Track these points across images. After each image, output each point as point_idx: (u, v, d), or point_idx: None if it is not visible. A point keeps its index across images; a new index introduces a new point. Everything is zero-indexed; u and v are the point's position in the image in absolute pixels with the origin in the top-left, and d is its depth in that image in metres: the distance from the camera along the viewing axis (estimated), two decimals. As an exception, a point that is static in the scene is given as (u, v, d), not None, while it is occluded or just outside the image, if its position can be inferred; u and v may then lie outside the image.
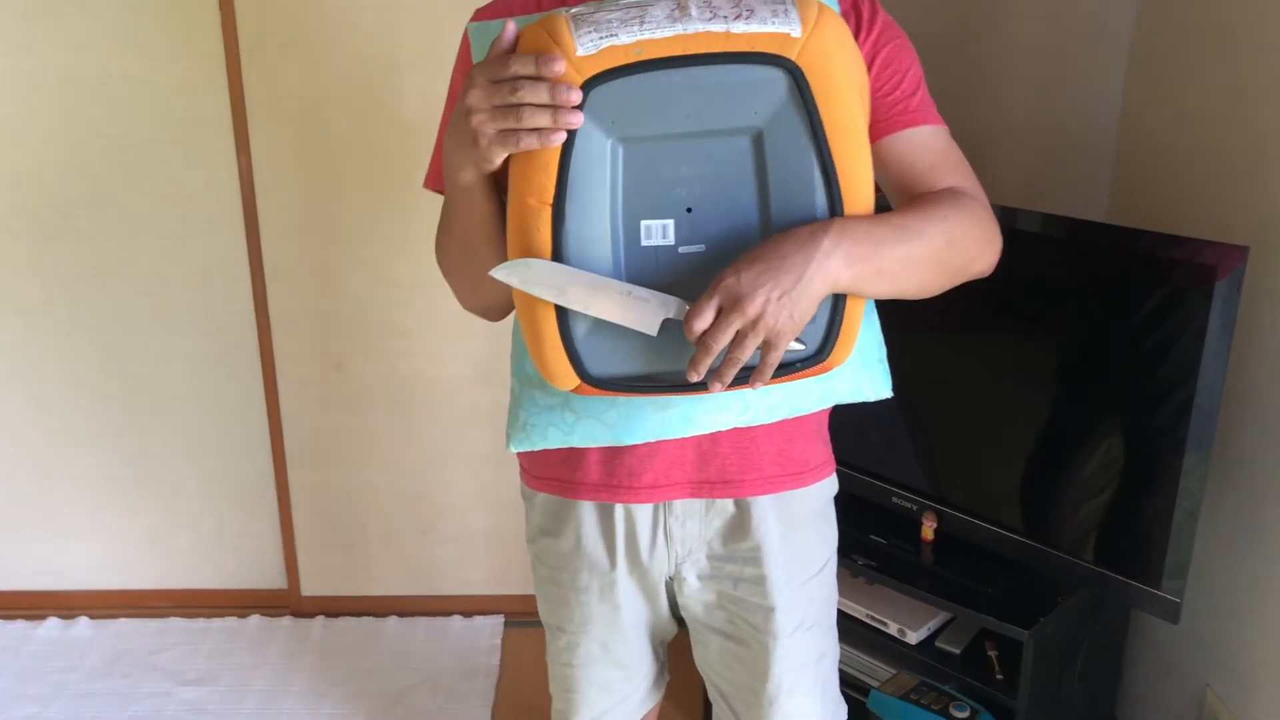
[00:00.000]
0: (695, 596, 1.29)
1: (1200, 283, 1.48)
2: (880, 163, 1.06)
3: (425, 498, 2.61)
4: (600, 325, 0.95)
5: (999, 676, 1.81)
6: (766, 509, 1.23)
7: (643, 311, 0.92)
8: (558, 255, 0.92)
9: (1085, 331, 1.70)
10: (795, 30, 0.90)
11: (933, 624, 1.89)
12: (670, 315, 0.92)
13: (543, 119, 0.87)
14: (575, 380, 0.97)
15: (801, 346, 0.96)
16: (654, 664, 1.40)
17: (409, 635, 2.59)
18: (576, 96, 0.87)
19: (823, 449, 1.28)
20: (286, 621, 2.64)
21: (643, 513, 1.23)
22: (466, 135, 0.90)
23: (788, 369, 0.96)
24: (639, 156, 0.92)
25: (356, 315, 2.44)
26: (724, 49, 0.89)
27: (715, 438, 1.18)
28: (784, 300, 0.88)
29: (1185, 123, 1.86)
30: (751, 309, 0.87)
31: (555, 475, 1.24)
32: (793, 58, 0.90)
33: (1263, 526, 1.70)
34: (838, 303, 0.96)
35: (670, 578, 1.28)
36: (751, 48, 0.89)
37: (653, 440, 1.11)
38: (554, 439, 1.12)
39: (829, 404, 1.14)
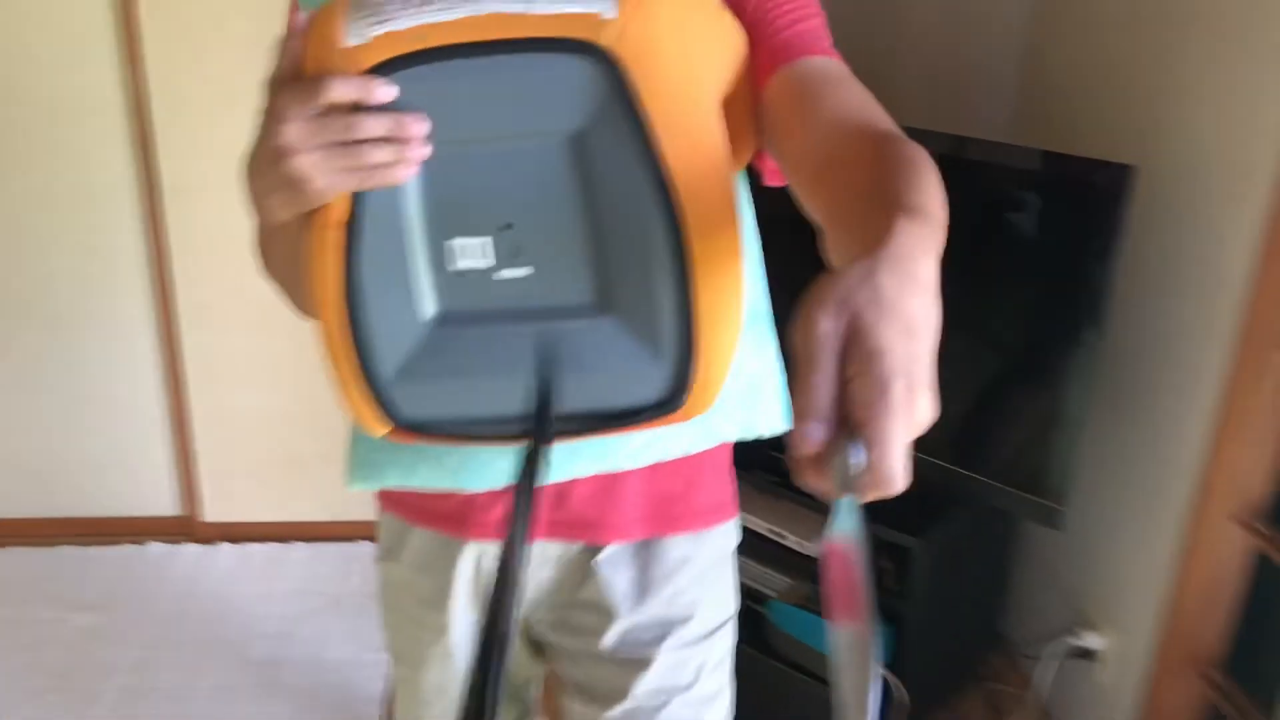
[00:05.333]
0: (551, 646, 1.16)
1: (1089, 202, 1.54)
2: (768, 102, 0.86)
3: (332, 422, 2.57)
4: (418, 362, 0.81)
5: (891, 586, 1.89)
6: (626, 557, 1.07)
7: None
8: (353, 282, 0.79)
9: (973, 249, 1.75)
10: (608, 9, 0.72)
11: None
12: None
13: (387, 154, 0.73)
14: (386, 426, 0.84)
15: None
16: (513, 709, 1.28)
17: (316, 561, 2.58)
18: (424, 128, 0.73)
19: (717, 490, 1.10)
20: (189, 549, 2.60)
21: (490, 550, 1.08)
22: (287, 181, 0.73)
23: (630, 418, 0.82)
24: (441, 165, 0.76)
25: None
26: (522, 34, 0.73)
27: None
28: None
29: (1086, 44, 1.92)
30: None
31: (399, 495, 1.11)
32: (605, 44, 0.72)
33: (1143, 441, 1.80)
34: (685, 332, 0.78)
35: (526, 619, 1.15)
36: (556, 32, 0.73)
37: (498, 489, 1.00)
38: (392, 478, 1.01)
39: (710, 445, 1.01)
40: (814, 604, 1.92)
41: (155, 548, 2.59)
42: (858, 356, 0.55)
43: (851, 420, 0.56)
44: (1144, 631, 1.78)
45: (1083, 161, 1.56)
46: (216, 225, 2.38)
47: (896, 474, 0.55)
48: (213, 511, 2.64)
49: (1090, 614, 1.96)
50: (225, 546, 2.61)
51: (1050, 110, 2.04)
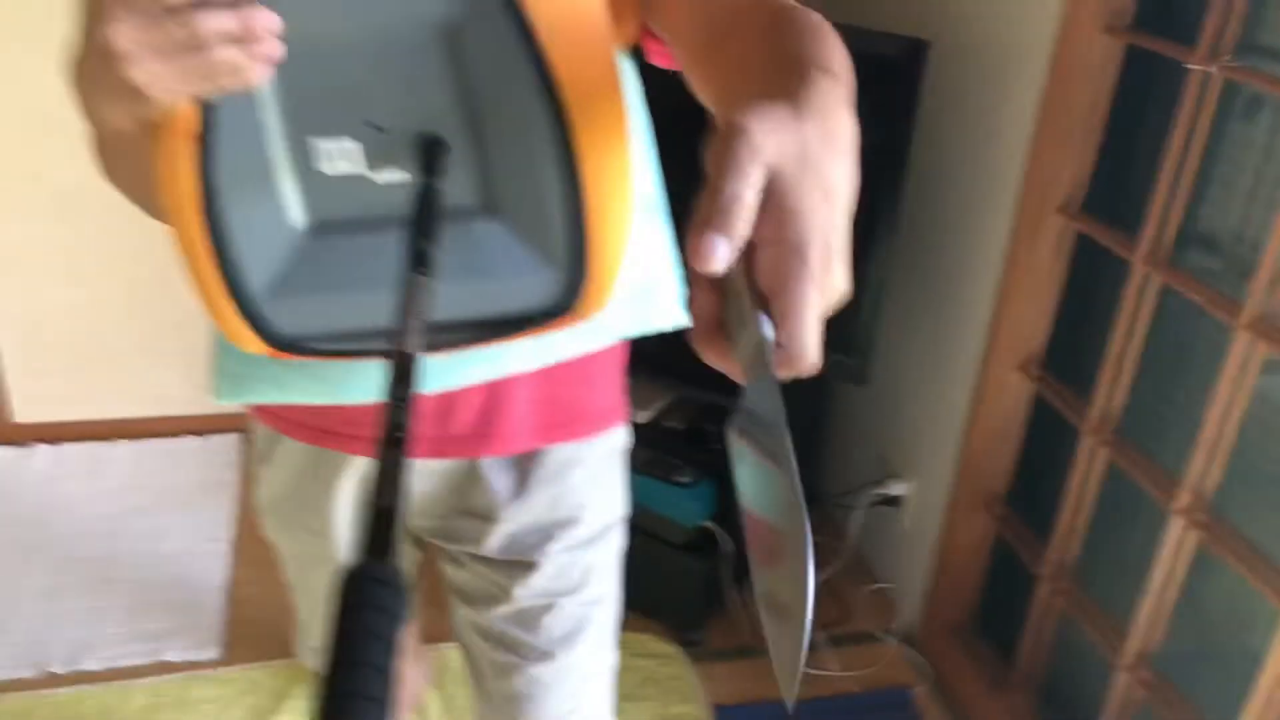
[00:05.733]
0: (435, 549, 1.16)
1: (886, 76, 1.63)
2: None
3: (146, 314, 2.49)
4: (291, 275, 0.76)
5: (716, 447, 2.00)
6: (509, 461, 1.05)
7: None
8: (211, 193, 0.73)
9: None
10: None
11: (660, 404, 2.05)
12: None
13: (236, 55, 0.64)
14: (260, 344, 0.79)
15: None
16: None
17: (140, 458, 2.52)
18: (275, 24, 0.64)
19: (609, 394, 1.06)
20: (1, 452, 2.49)
21: (367, 464, 1.02)
22: (122, 89, 0.65)
23: (522, 324, 0.79)
24: (299, 63, 0.68)
25: (52, 118, 2.25)
26: None
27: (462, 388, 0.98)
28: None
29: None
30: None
31: (272, 407, 1.05)
32: None
33: (939, 301, 1.95)
34: (574, 230, 0.74)
35: (408, 523, 1.14)
36: None
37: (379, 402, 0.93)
38: (265, 394, 0.95)
39: (604, 343, 0.97)
40: (646, 468, 2.01)
41: (-37, 452, 2.48)
42: (773, 218, 0.49)
43: (760, 290, 0.49)
44: (941, 476, 1.96)
45: (881, 36, 1.64)
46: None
47: (810, 348, 0.49)
48: (25, 412, 2.52)
49: (895, 464, 2.13)
50: (41, 447, 2.51)
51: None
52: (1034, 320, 1.73)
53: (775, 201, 0.49)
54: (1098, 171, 1.62)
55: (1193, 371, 1.51)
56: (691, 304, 0.52)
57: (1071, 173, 1.61)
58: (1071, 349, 1.73)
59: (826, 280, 0.49)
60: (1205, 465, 1.43)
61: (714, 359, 0.52)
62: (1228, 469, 1.42)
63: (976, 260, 1.80)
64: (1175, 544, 1.49)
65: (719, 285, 0.51)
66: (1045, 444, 1.82)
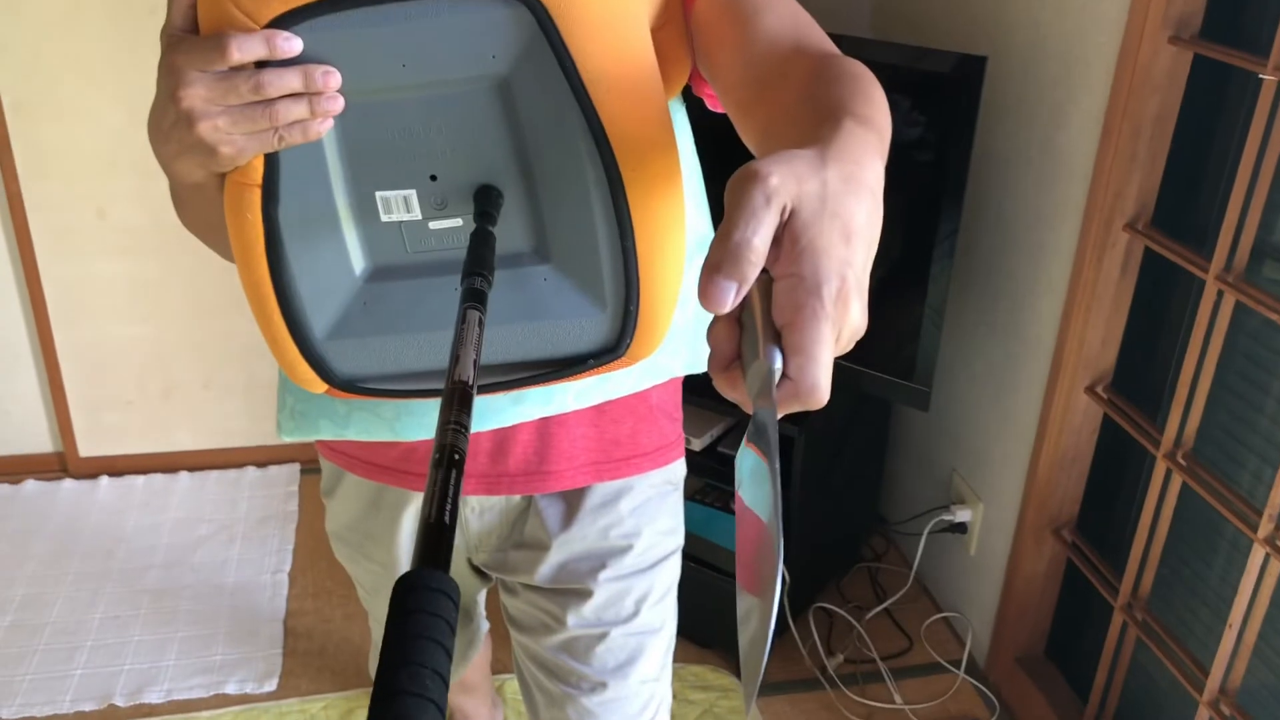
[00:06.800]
0: (494, 579, 1.17)
1: (942, 93, 1.60)
2: (698, 23, 0.80)
3: (205, 347, 2.53)
4: (350, 319, 0.80)
5: (775, 474, 1.97)
6: (561, 494, 1.06)
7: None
8: (275, 240, 0.76)
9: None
10: None
11: (715, 431, 2.02)
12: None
13: (300, 110, 0.69)
14: (322, 384, 0.83)
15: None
16: (465, 622, 1.34)
17: (201, 489, 2.54)
18: (336, 80, 0.69)
19: (665, 429, 1.07)
20: (67, 485, 2.53)
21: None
22: (195, 146, 0.69)
23: (573, 366, 0.81)
24: (358, 117, 0.73)
25: (116, 156, 2.30)
26: None
27: (515, 425, 0.99)
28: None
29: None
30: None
31: (335, 443, 1.08)
32: None
33: (1002, 322, 1.90)
34: (625, 276, 0.77)
35: (469, 557, 1.15)
36: None
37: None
38: (326, 430, 0.98)
39: (657, 381, 0.99)
40: (702, 495, 1.99)
41: (31, 485, 2.52)
42: (790, 254, 0.49)
43: (774, 325, 0.49)
44: (1009, 501, 1.91)
45: (936, 54, 1.61)
46: (66, 145, 2.27)
47: (819, 386, 0.48)
48: (89, 446, 2.57)
49: (960, 489, 2.08)
50: (105, 480, 2.55)
51: (904, 7, 2.09)
52: (1102, 340, 1.68)
53: (792, 238, 0.50)
54: (1166, 186, 1.56)
55: (1270, 391, 1.45)
56: (710, 334, 0.52)
57: (1139, 188, 1.56)
58: (1142, 370, 1.67)
59: (841, 317, 0.49)
60: (1288, 490, 1.37)
61: (726, 389, 0.53)
62: (1312, 494, 1.35)
63: (1041, 279, 1.75)
64: (1256, 573, 1.42)
65: (736, 316, 0.52)
66: (1116, 468, 1.76)
